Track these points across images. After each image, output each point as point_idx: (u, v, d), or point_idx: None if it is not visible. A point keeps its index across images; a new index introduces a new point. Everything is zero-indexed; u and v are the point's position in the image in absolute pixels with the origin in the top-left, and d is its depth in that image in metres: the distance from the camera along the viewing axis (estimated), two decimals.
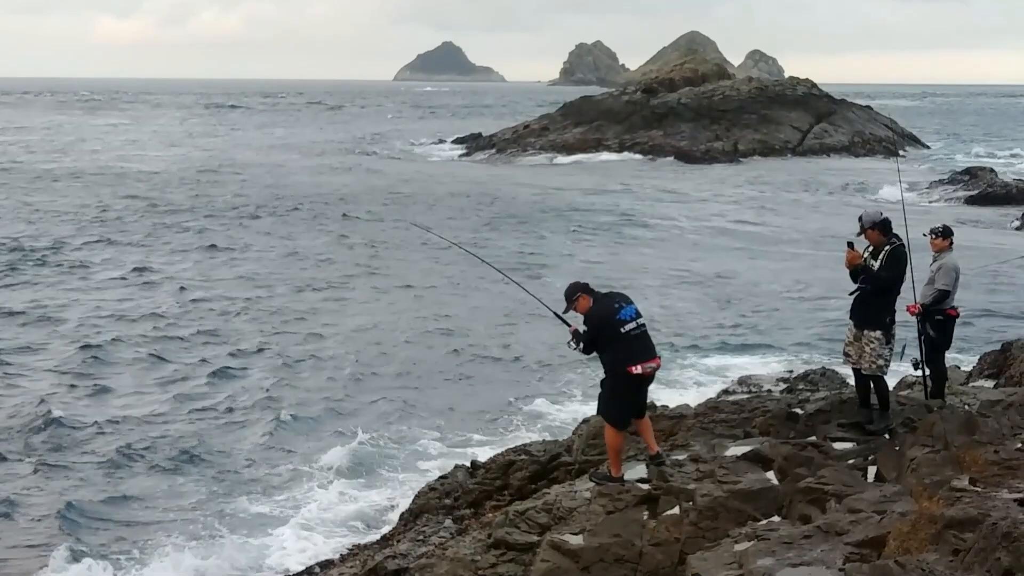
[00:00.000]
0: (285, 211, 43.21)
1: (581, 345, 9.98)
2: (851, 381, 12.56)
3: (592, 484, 10.21)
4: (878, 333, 10.80)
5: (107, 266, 30.75)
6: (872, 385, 11.01)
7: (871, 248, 10.95)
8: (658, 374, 17.48)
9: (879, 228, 10.86)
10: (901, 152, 74.71)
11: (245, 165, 63.66)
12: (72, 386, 19.16)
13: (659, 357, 10.05)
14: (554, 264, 32.03)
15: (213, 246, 34.42)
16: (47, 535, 13.35)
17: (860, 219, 11.03)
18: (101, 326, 23.48)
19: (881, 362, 10.84)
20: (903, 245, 10.82)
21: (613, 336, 9.73)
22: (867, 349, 10.86)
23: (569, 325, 10.20)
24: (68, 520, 13.69)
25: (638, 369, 9.73)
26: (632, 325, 9.78)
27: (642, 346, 9.84)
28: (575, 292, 10.02)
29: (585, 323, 9.92)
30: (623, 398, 9.95)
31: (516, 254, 33.84)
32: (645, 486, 10.08)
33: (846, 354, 11.28)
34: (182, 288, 27.70)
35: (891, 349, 10.90)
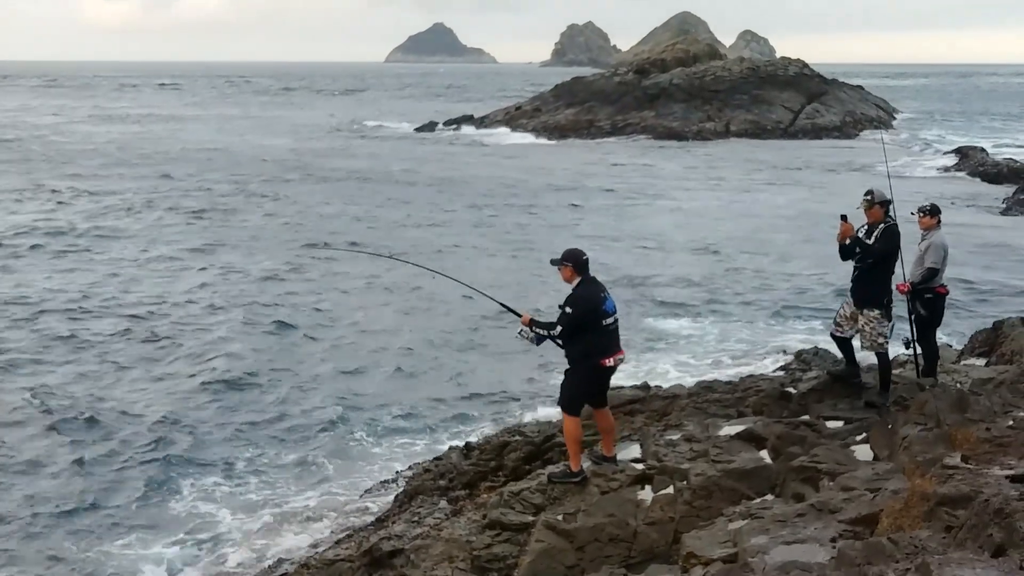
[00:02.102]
0: (279, 193, 43.26)
1: (547, 334, 9.60)
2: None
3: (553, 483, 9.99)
4: (876, 312, 11.08)
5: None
6: (878, 362, 11.22)
7: (866, 226, 11.14)
8: (652, 352, 17.40)
9: (884, 206, 11.12)
10: (891, 132, 74.71)
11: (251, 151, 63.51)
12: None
13: (623, 350, 9.87)
14: (546, 236, 32.11)
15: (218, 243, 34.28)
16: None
17: (870, 193, 11.18)
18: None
19: (881, 339, 11.09)
20: (897, 225, 11.04)
21: (593, 325, 9.51)
22: (867, 328, 11.13)
23: (520, 316, 9.89)
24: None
25: (610, 362, 9.62)
26: (611, 320, 9.60)
27: (614, 340, 9.70)
28: (569, 259, 9.66)
29: (569, 304, 9.54)
30: (588, 388, 9.80)
31: (511, 228, 34.02)
32: (639, 466, 10.12)
33: (837, 324, 11.57)
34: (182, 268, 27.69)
35: (889, 326, 11.15)
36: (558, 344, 9.75)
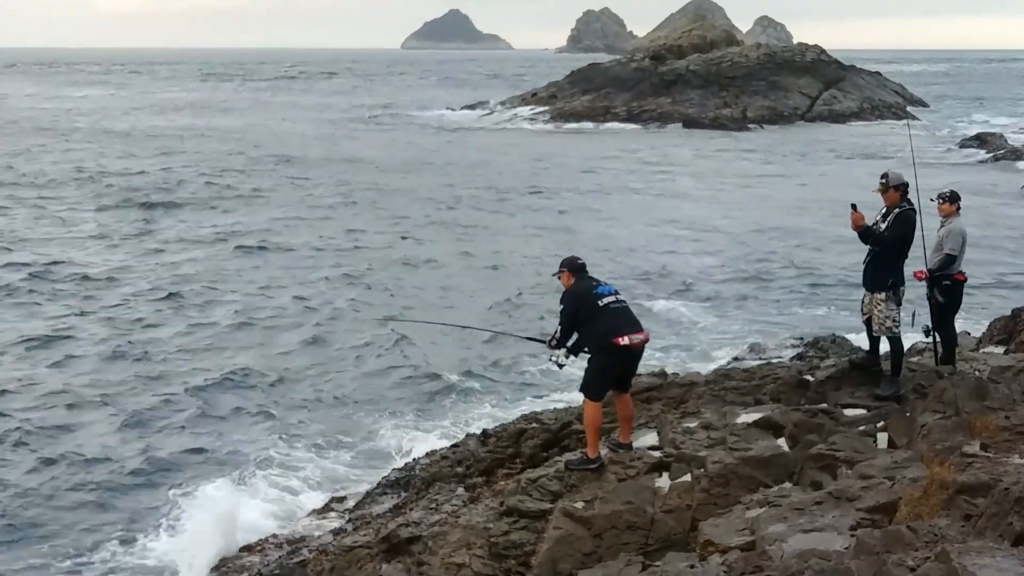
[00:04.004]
0: (296, 182, 43.42)
1: (556, 341, 9.83)
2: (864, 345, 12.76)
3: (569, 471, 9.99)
4: (882, 295, 11.03)
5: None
6: (890, 347, 11.17)
7: (883, 209, 11.09)
8: (670, 339, 17.31)
9: (900, 190, 11.02)
10: (911, 118, 74.30)
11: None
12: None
13: (646, 332, 9.82)
14: (565, 221, 32.25)
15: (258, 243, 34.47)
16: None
17: (885, 176, 11.13)
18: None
19: (889, 323, 11.01)
20: (913, 210, 10.97)
21: (591, 311, 9.59)
22: (876, 312, 11.10)
23: (543, 341, 10.20)
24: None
25: (625, 340, 9.49)
26: (611, 299, 9.64)
27: (625, 319, 9.67)
28: (564, 266, 10.04)
29: (561, 301, 9.89)
30: (608, 370, 9.72)
31: (530, 212, 34.19)
32: (656, 453, 10.11)
33: (862, 310, 11.55)
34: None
35: (899, 310, 11.06)
36: (579, 349, 9.86)
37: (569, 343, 9.84)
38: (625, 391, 10.10)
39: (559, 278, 10.08)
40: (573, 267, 10.00)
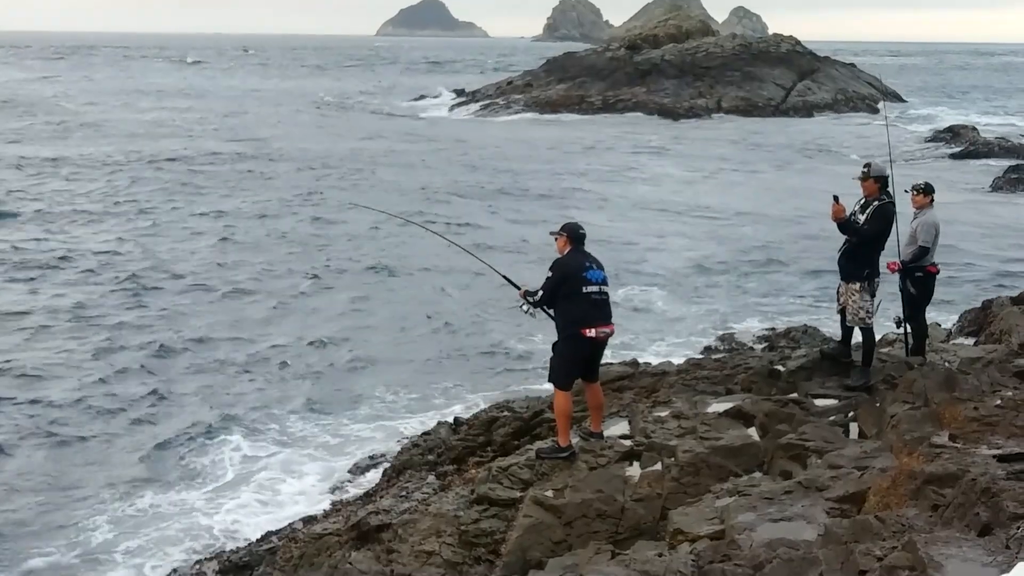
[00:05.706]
0: (253, 170, 43.17)
1: (532, 301, 9.78)
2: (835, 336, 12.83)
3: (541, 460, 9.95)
4: (856, 285, 11.11)
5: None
6: (862, 337, 11.23)
7: (862, 200, 11.13)
8: (641, 327, 17.32)
9: (879, 182, 11.09)
10: (884, 110, 74.53)
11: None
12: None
13: (613, 324, 9.84)
14: (540, 209, 32.16)
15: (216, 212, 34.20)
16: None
17: (867, 166, 11.22)
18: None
19: (863, 314, 11.08)
20: (892, 204, 11.03)
21: (573, 292, 9.55)
22: (850, 302, 11.17)
23: (518, 288, 10.07)
24: None
25: (591, 332, 9.54)
26: (595, 289, 9.59)
27: (601, 312, 9.64)
28: (564, 230, 9.86)
29: (551, 268, 9.75)
30: (573, 360, 9.74)
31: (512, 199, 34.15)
32: (627, 442, 10.12)
33: (837, 301, 11.61)
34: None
35: (873, 301, 11.12)
36: (548, 314, 9.87)
37: (535, 299, 9.82)
38: (593, 380, 10.09)
39: (556, 240, 9.93)
40: (573, 234, 9.83)
